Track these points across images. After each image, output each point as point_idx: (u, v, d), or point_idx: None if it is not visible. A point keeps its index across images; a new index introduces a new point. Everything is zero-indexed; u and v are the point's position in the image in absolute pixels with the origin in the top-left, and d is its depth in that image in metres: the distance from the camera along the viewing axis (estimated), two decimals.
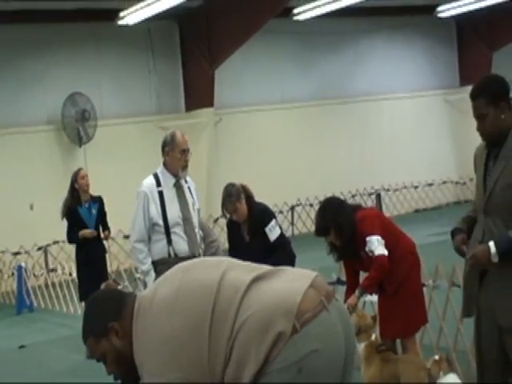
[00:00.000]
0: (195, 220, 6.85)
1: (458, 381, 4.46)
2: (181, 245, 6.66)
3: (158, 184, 6.73)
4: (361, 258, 5.91)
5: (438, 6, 22.27)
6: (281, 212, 19.55)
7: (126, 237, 18.23)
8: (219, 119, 19.41)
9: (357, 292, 5.87)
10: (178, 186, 6.78)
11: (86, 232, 9.70)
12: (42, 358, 10.01)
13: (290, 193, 19.97)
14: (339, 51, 22.02)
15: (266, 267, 3.14)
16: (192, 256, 6.40)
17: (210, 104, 19.04)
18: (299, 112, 20.97)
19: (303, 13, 19.58)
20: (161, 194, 6.68)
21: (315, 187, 19.61)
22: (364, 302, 7.77)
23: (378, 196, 21.55)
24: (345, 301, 6.09)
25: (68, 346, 10.22)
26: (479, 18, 22.72)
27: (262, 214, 6.99)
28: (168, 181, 6.75)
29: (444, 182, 23.33)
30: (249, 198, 7.00)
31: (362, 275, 6.20)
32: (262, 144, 20.14)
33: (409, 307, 5.91)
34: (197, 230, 6.84)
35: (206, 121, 19.06)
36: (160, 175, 6.78)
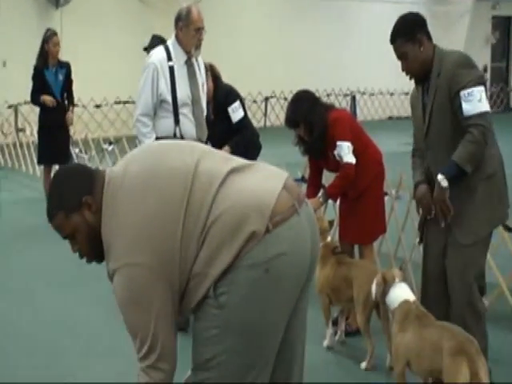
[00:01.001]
0: (204, 103, 6.44)
1: (408, 290, 4.46)
2: (188, 127, 6.25)
3: (169, 58, 6.21)
4: (327, 157, 5.85)
5: None
6: (255, 102, 19.42)
7: (98, 106, 18.14)
8: None
9: (321, 197, 5.83)
10: (189, 64, 6.28)
11: (47, 99, 9.50)
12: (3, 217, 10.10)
13: (266, 84, 19.80)
14: None
15: (240, 160, 3.06)
16: (199, 140, 5.98)
17: None
18: (280, 3, 20.64)
19: None
20: (171, 69, 6.18)
21: (291, 81, 19.38)
22: (326, 205, 7.76)
23: (353, 98, 21.46)
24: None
25: (29, 207, 10.32)
26: None
27: (226, 95, 6.92)
28: (179, 56, 6.23)
29: None
30: (215, 78, 6.94)
31: (328, 177, 6.17)
32: (241, 29, 19.82)
33: (369, 214, 5.92)
34: (205, 113, 6.43)
35: None
36: (172, 49, 6.25)
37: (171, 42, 6.27)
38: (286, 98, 19.35)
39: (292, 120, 5.84)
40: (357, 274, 5.36)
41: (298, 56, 20.82)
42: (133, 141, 9.53)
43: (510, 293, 6.11)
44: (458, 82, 4.31)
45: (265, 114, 20.09)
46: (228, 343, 2.85)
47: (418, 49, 4.52)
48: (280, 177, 3.00)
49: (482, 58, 25.27)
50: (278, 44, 20.41)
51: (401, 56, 4.67)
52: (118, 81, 16.94)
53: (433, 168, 4.50)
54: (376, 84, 22.15)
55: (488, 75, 25.46)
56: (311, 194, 6.02)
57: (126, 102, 17.80)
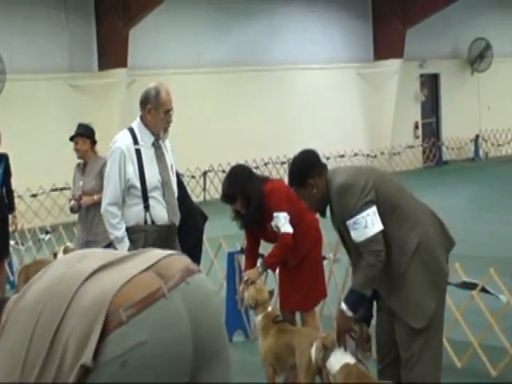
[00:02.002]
0: (175, 185, 6.10)
1: (349, 354, 4.50)
2: (160, 211, 5.87)
3: (135, 141, 5.88)
4: (265, 228, 5.91)
5: None
6: (193, 177, 19.48)
7: (34, 195, 18.00)
8: (132, 80, 19.13)
9: (260, 268, 5.87)
10: (156, 146, 5.97)
11: None
12: None
13: (203, 158, 19.92)
14: (256, 19, 21.93)
15: (126, 253, 2.88)
16: (171, 225, 5.90)
17: (124, 64, 18.75)
18: (214, 77, 20.86)
19: None
20: (138, 152, 5.85)
21: (228, 153, 19.56)
22: (266, 275, 7.79)
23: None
24: (245, 269, 6.10)
25: None
26: None
27: None
28: (146, 138, 5.91)
29: (355, 154, 23.61)
30: None
31: (266, 246, 6.22)
32: (176, 108, 19.93)
33: (309, 281, 5.98)
34: (176, 195, 6.08)
35: (118, 81, 18.78)
36: (137, 131, 5.93)
37: (136, 124, 5.98)
38: (224, 171, 19.45)
39: (229, 195, 5.90)
40: (298, 342, 5.39)
41: (233, 128, 21.01)
42: (70, 228, 9.47)
43: (482, 350, 6.19)
44: (342, 214, 4.45)
45: (204, 189, 20.14)
46: None
47: (312, 191, 4.62)
48: (148, 261, 2.76)
49: (413, 114, 25.84)
50: (213, 117, 20.59)
51: (300, 198, 4.83)
52: (54, 167, 16.88)
53: (353, 269, 4.66)
54: (312, 148, 22.40)
55: (420, 131, 25.98)
56: (250, 264, 6.07)
57: (62, 189, 17.70)
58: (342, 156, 23.27)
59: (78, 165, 8.38)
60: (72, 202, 8.24)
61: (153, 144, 5.94)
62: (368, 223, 4.32)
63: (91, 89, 18.78)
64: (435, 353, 4.49)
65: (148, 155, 5.89)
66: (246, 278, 5.90)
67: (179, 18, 20.28)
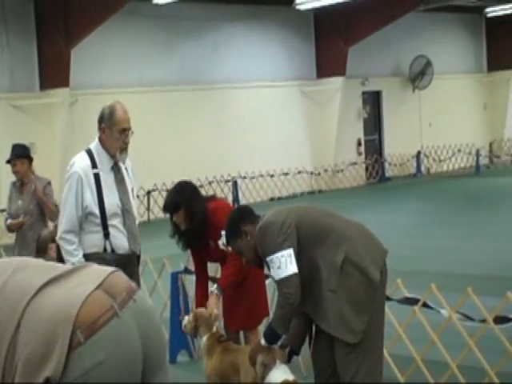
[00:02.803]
0: (135, 209, 5.80)
1: (288, 371, 4.54)
2: (120, 239, 5.62)
3: (94, 165, 5.58)
4: (208, 246, 5.90)
5: None
6: (137, 196, 19.36)
7: None
8: (75, 100, 19.00)
9: (216, 291, 5.84)
10: (116, 170, 5.68)
11: None
12: None
13: (147, 178, 19.80)
14: (199, 37, 21.96)
15: (65, 267, 2.89)
16: (132, 253, 5.69)
17: (66, 84, 18.60)
18: (157, 96, 20.82)
19: None
20: (97, 176, 5.55)
21: (172, 172, 19.48)
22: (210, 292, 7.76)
23: (235, 183, 21.70)
24: (196, 294, 6.10)
25: None
26: (336, 12, 23.23)
27: None
28: (105, 162, 5.61)
29: (299, 172, 23.73)
30: None
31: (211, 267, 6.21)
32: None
33: (251, 301, 6.00)
34: (137, 222, 5.82)
35: (60, 101, 18.63)
36: (95, 154, 5.62)
37: (94, 145, 5.69)
38: (168, 190, 19.38)
39: (173, 203, 5.85)
40: (243, 360, 5.38)
41: (177, 147, 20.97)
42: (9, 250, 9.33)
43: (425, 365, 6.25)
44: (263, 252, 4.56)
45: (147, 208, 20.05)
46: None
47: (247, 239, 4.73)
48: (96, 278, 2.77)
49: (356, 132, 26.09)
50: (156, 137, 20.52)
51: (238, 253, 4.91)
52: None
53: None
54: (256, 167, 22.50)
55: (362, 148, 26.23)
56: (201, 288, 6.05)
57: (2, 211, 17.41)
58: (286, 174, 23.38)
59: (14, 183, 8.30)
60: (9, 221, 8.15)
61: (112, 168, 5.65)
62: (281, 264, 4.41)
63: (33, 109, 18.60)
64: (374, 365, 4.53)
65: (107, 180, 5.60)
66: (208, 309, 5.83)
67: (121, 37, 20.22)
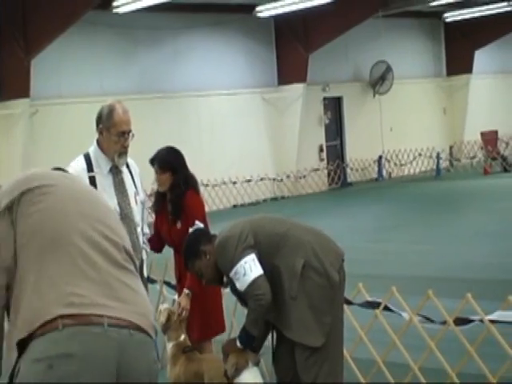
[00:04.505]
0: (137, 216, 5.42)
1: (258, 374, 4.57)
2: None
3: (90, 168, 5.28)
4: (174, 226, 5.90)
5: (256, 5, 22.64)
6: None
7: None
8: (35, 111, 18.89)
9: (188, 292, 5.86)
10: (115, 172, 5.38)
11: None
12: None
13: None
14: (159, 46, 21.96)
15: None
16: None
17: (26, 95, 18.47)
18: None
19: (123, 6, 19.32)
20: (92, 180, 5.24)
21: None
22: (173, 301, 7.76)
23: None
24: None
25: None
26: (296, 19, 23.38)
27: None
28: (102, 164, 5.31)
29: (262, 179, 23.79)
30: None
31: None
32: (81, 137, 19.71)
33: (207, 311, 6.01)
34: (139, 229, 5.42)
35: (20, 112, 18.49)
36: (92, 157, 5.32)
37: (92, 148, 5.39)
38: None
39: (166, 162, 5.89)
40: (208, 368, 5.43)
41: (139, 156, 20.84)
42: None
43: (386, 367, 6.31)
44: (226, 268, 4.62)
45: None
46: None
47: (206, 259, 4.76)
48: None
49: (317, 138, 26.21)
50: None
51: (198, 275, 4.92)
52: None
53: None
54: (219, 174, 22.52)
55: (324, 154, 26.37)
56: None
57: None
58: (249, 181, 23.43)
59: None
60: None
61: (110, 170, 5.35)
62: (246, 270, 4.46)
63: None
64: (334, 368, 4.59)
65: (104, 184, 5.29)
66: (180, 312, 5.85)
67: (81, 47, 20.14)
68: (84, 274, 2.87)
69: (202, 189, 21.83)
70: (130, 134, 5.39)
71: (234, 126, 23.52)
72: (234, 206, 22.83)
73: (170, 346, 5.75)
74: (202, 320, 5.99)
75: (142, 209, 5.52)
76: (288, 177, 24.61)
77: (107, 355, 2.77)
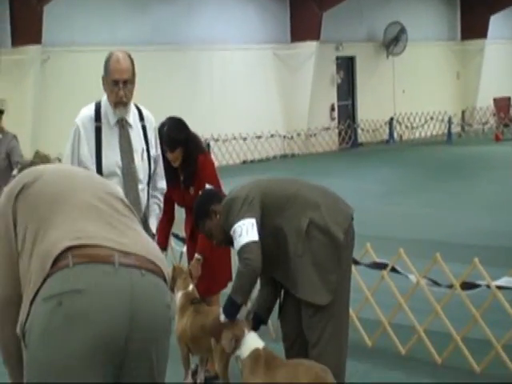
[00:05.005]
0: (142, 173, 5.13)
1: (257, 338, 4.55)
2: None
3: (98, 117, 5.05)
4: (187, 191, 5.89)
5: None
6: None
7: None
8: (47, 57, 18.79)
9: (199, 258, 5.84)
10: (122, 125, 5.09)
11: None
12: None
13: None
14: None
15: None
16: None
17: (38, 41, 18.37)
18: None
19: None
20: (98, 130, 5.03)
21: None
22: (181, 253, 7.76)
23: (208, 145, 21.63)
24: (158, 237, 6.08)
25: None
26: None
27: None
28: (110, 115, 5.06)
29: (272, 136, 23.71)
30: None
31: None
32: (91, 86, 19.60)
33: (215, 265, 5.98)
34: (141, 186, 5.13)
35: (32, 58, 18.40)
36: (102, 106, 5.10)
37: (104, 97, 5.13)
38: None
39: (174, 139, 5.82)
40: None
41: (149, 108, 20.78)
42: None
43: (392, 329, 6.32)
44: (227, 227, 4.59)
45: None
46: None
47: (216, 218, 4.75)
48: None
49: (329, 97, 26.07)
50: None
51: (208, 235, 4.91)
52: None
53: None
54: (229, 129, 22.44)
55: (336, 113, 26.25)
56: (163, 223, 6.00)
57: None
58: (259, 137, 23.35)
59: None
60: None
61: (117, 122, 5.09)
62: (243, 232, 4.46)
63: (4, 65, 18.35)
64: (340, 327, 4.59)
65: (109, 136, 5.05)
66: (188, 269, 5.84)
67: None
68: (91, 217, 2.89)
69: (212, 143, 21.91)
70: (128, 84, 5.01)
71: (245, 81, 23.38)
72: (244, 162, 22.78)
73: (178, 295, 5.71)
74: (210, 274, 5.97)
75: (152, 164, 5.25)
76: (299, 135, 24.52)
77: (119, 294, 2.73)
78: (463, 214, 12.75)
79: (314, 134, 24.95)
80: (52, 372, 2.68)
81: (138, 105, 5.36)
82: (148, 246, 2.95)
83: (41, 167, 3.16)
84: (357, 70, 27.05)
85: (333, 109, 26.25)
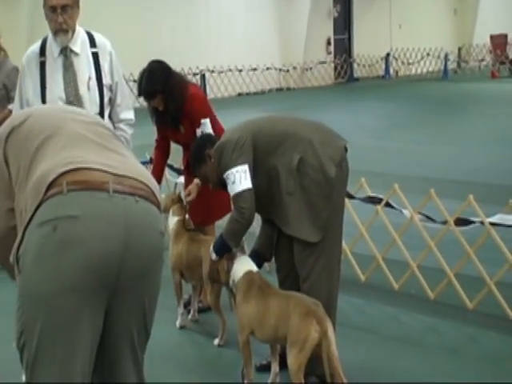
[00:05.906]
0: (89, 103, 4.89)
1: (250, 262, 4.57)
2: None
3: (42, 52, 4.84)
4: (178, 130, 5.83)
5: None
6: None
7: None
8: None
9: (198, 182, 5.81)
10: (65, 55, 4.85)
11: None
12: None
13: None
14: None
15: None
16: None
17: None
18: None
19: None
20: (43, 65, 4.81)
21: (136, 63, 19.19)
22: (175, 184, 7.76)
23: (203, 77, 21.47)
24: (153, 164, 6.05)
25: None
26: None
27: None
28: (53, 48, 4.83)
29: (268, 68, 23.54)
30: None
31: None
32: (85, 16, 19.43)
33: (214, 196, 5.95)
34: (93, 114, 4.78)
35: None
36: (49, 39, 4.87)
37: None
38: (135, 80, 19.14)
39: (149, 91, 5.74)
40: (206, 252, 5.39)
41: (141, 38, 20.61)
42: None
43: (385, 264, 6.35)
44: (219, 171, 4.61)
45: None
46: (26, 316, 2.74)
47: (210, 162, 4.78)
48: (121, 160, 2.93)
49: (326, 31, 25.82)
50: (125, 25, 20.15)
51: (204, 180, 5.00)
52: None
53: None
54: (225, 61, 22.26)
55: (332, 47, 26.02)
56: (158, 159, 5.98)
57: None
58: (255, 69, 23.17)
59: None
60: None
61: (61, 52, 4.87)
62: (236, 179, 4.46)
63: None
64: (331, 262, 4.59)
65: (53, 68, 4.85)
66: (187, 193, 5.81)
67: None
68: (82, 145, 2.90)
69: (207, 75, 21.74)
70: (66, 9, 4.72)
71: (241, 13, 23.12)
72: (239, 94, 22.64)
73: (173, 221, 5.68)
74: (207, 205, 5.94)
75: (106, 93, 5.01)
76: (294, 68, 24.34)
77: (113, 223, 2.73)
78: (458, 151, 12.73)
79: (310, 68, 24.77)
80: (45, 297, 2.69)
81: (92, 31, 5.11)
82: (139, 168, 2.98)
83: (30, 108, 3.20)
84: (354, 3, 26.73)
85: (329, 43, 26.02)
